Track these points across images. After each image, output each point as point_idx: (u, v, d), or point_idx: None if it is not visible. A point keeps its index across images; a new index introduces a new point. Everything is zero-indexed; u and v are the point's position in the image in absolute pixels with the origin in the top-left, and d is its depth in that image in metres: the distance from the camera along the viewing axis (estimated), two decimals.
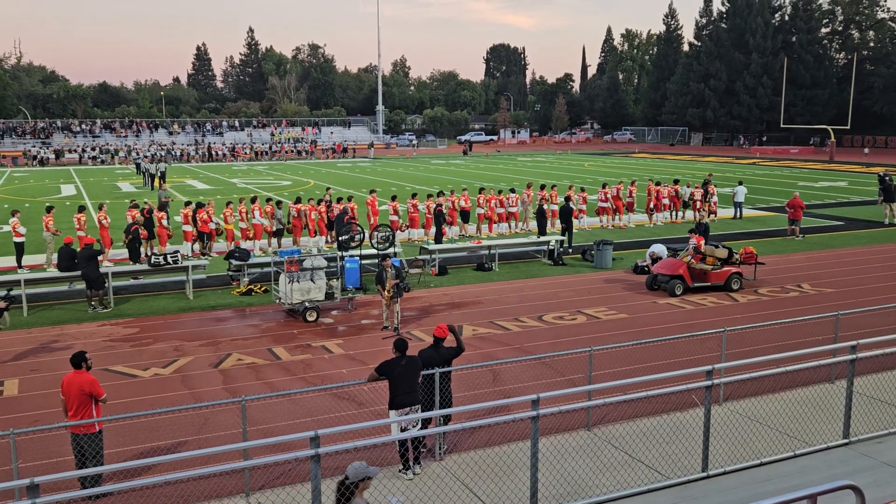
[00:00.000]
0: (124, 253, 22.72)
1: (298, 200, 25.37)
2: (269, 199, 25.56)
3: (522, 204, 28.97)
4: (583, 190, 30.24)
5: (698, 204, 31.41)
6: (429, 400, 9.55)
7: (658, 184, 31.76)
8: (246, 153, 78.58)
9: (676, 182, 32.68)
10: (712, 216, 30.82)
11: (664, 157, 75.98)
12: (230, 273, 20.12)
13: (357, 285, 18.06)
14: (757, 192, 41.61)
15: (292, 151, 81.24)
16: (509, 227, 28.73)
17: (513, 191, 29.14)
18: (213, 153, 76.99)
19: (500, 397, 11.64)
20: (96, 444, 8.93)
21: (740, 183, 33.65)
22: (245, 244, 24.03)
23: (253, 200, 24.90)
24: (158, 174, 46.50)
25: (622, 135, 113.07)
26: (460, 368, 10.21)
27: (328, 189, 27.48)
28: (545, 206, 25.66)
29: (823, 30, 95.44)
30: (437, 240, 25.08)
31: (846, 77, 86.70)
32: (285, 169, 61.82)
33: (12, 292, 14.46)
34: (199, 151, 77.99)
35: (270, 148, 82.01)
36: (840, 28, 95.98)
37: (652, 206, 30.91)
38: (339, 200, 25.56)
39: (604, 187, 30.34)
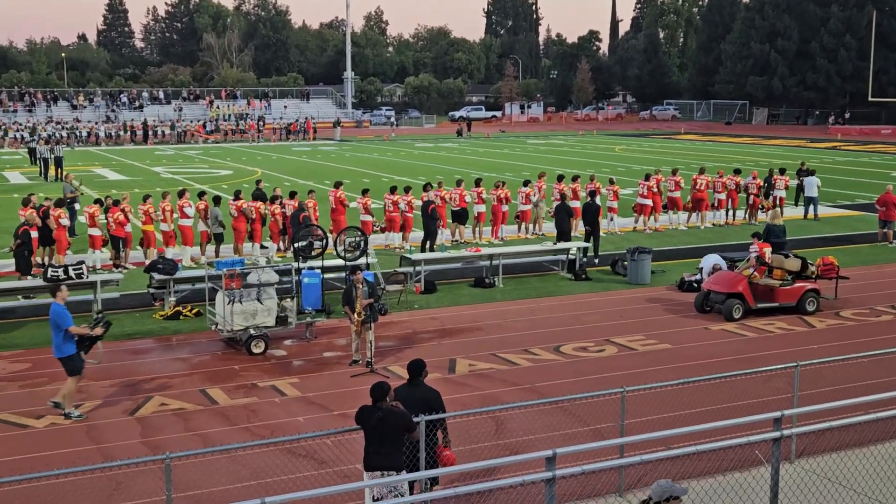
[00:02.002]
0: (11, 264, 22.67)
1: (238, 196, 25.46)
2: (202, 194, 25.36)
3: (534, 200, 28.92)
4: (612, 182, 30.31)
5: (752, 199, 31.75)
6: (412, 455, 9.62)
7: (704, 173, 31.77)
8: (245, 131, 78.19)
9: (738, 172, 32.95)
10: (765, 213, 30.71)
11: (718, 139, 76.27)
12: (151, 291, 20.00)
13: (318, 307, 18.08)
14: (837, 185, 41.87)
15: (280, 130, 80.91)
16: (519, 230, 28.81)
17: (526, 183, 29.15)
18: (149, 132, 76.42)
19: (505, 453, 11.74)
20: None
21: (811, 172, 33.68)
22: (171, 252, 24.02)
23: (181, 195, 24.80)
24: (53, 159, 46.28)
25: (664, 110, 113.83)
26: (454, 415, 10.19)
27: (258, 182, 27.49)
28: (566, 202, 25.61)
29: None
30: (424, 247, 25.06)
31: None
32: (224, 155, 61.98)
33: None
34: (129, 131, 77.80)
35: (204, 126, 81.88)
36: None
37: (687, 200, 31.01)
38: (292, 195, 25.39)
39: (647, 179, 30.34)
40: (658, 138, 78.40)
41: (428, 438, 9.64)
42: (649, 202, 30.14)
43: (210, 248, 25.00)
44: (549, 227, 27.65)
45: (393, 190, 27.03)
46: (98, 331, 13.84)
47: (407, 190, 27.12)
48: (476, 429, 12.50)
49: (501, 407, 11.65)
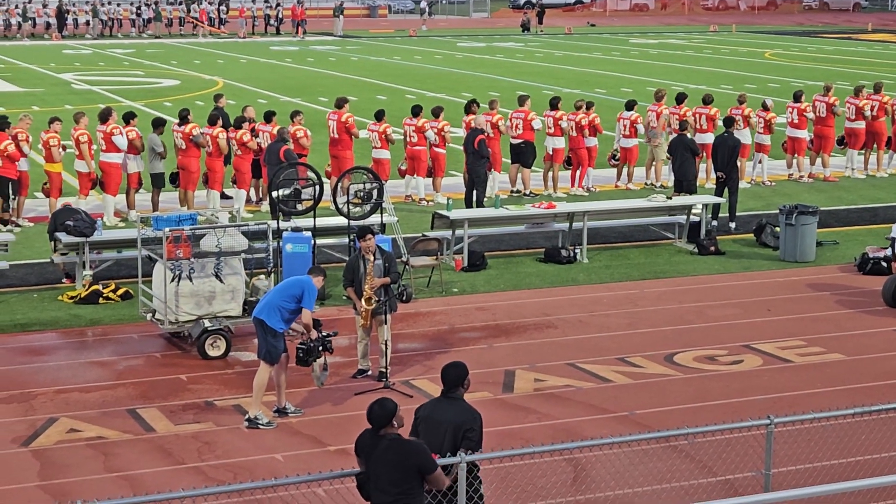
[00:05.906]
0: None
1: (185, 119, 23.76)
2: (131, 116, 24.11)
3: (647, 132, 26.14)
4: (765, 107, 27.76)
5: None
6: None
7: None
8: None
9: None
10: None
11: None
12: (56, 260, 18.68)
13: None
14: None
15: (251, 20, 72.49)
16: (618, 177, 26.51)
17: (630, 106, 26.44)
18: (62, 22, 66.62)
19: None
20: None
21: None
22: (85, 203, 22.09)
23: (104, 117, 23.26)
24: None
25: None
26: (507, 455, 9.67)
27: (218, 99, 25.80)
28: (687, 135, 23.24)
29: None
30: (471, 199, 22.81)
31: None
32: (167, 56, 58.49)
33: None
34: (26, 18, 68.36)
35: (138, 13, 70.81)
36: None
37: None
38: (268, 119, 23.81)
39: (798, 100, 27.93)
40: (832, 38, 70.31)
41: (469, 487, 9.10)
42: (804, 134, 27.71)
43: (144, 197, 23.20)
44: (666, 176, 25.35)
45: (416, 112, 24.28)
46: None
47: (437, 113, 24.54)
48: (544, 476, 11.79)
49: (583, 444, 10.08)
